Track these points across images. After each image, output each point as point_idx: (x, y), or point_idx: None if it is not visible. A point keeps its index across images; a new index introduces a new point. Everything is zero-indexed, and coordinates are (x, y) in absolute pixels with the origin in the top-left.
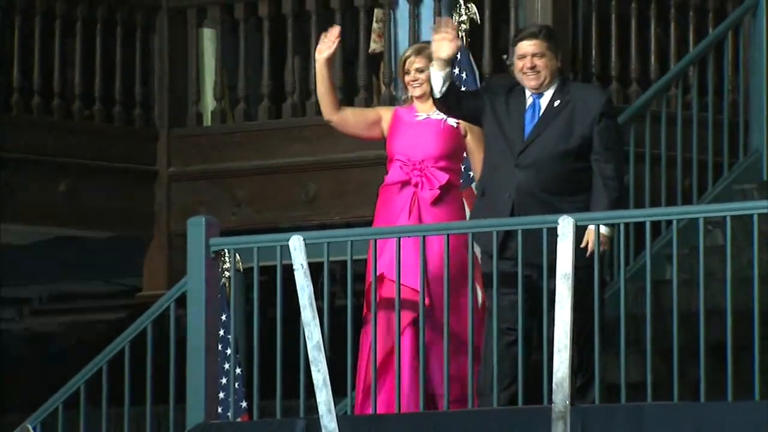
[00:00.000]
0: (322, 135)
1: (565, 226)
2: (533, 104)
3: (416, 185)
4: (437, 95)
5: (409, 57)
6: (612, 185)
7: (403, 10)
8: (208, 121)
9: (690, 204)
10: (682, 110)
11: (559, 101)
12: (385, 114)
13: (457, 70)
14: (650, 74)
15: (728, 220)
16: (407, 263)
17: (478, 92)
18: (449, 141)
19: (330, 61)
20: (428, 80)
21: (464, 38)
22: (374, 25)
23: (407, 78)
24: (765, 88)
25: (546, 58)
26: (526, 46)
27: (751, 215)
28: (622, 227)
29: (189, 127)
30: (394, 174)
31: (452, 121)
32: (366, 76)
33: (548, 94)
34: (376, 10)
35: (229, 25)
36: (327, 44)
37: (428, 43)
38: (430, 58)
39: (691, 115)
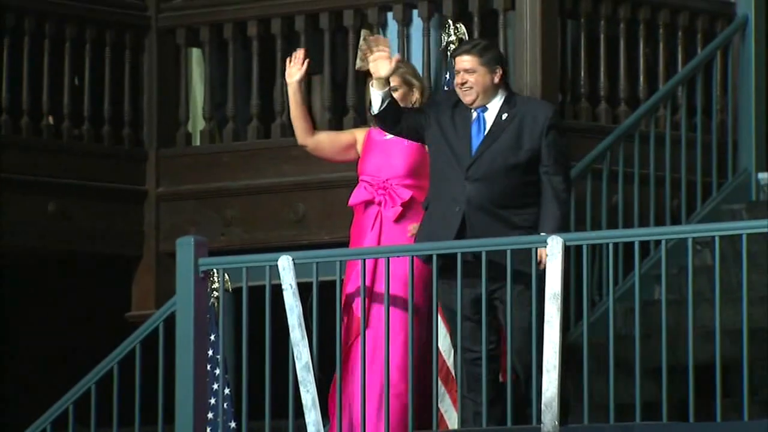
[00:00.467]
0: (310, 155)
1: (554, 245)
2: (478, 118)
3: (379, 204)
4: (375, 112)
5: None
6: (563, 197)
7: (391, 30)
8: (197, 141)
9: (679, 224)
10: (671, 130)
11: (506, 114)
12: (359, 135)
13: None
14: (639, 94)
15: (717, 240)
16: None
17: (421, 108)
18: (414, 158)
19: (301, 84)
20: (401, 99)
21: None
22: (361, 43)
23: None
24: (753, 108)
25: (477, 74)
26: (460, 62)
27: (740, 235)
28: (610, 247)
29: (178, 147)
30: (357, 194)
31: None
32: (355, 96)
33: (493, 108)
34: (363, 30)
35: (218, 45)
36: (296, 67)
37: (404, 62)
38: (404, 78)
39: (679, 135)
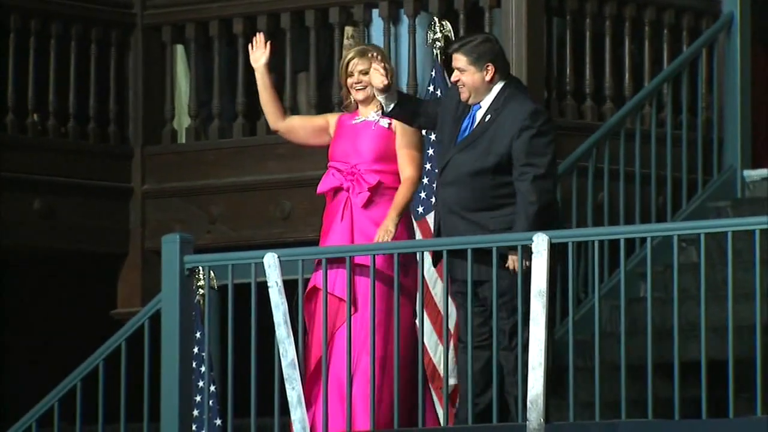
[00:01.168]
0: (296, 152)
1: (540, 243)
2: (471, 115)
3: (347, 189)
4: (388, 113)
5: (352, 59)
6: (529, 199)
7: (377, 27)
8: (182, 138)
9: (664, 221)
10: (657, 128)
11: (489, 116)
12: (332, 119)
13: (431, 88)
14: (624, 92)
15: (702, 237)
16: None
17: (438, 101)
18: (381, 143)
19: (268, 66)
20: (391, 81)
21: (438, 56)
22: (345, 42)
23: (350, 81)
24: (739, 105)
25: (467, 73)
26: (453, 60)
27: (726, 233)
28: (596, 244)
29: (164, 145)
30: (325, 181)
31: (384, 122)
32: (340, 94)
33: (485, 105)
34: (347, 28)
35: (203, 42)
36: (259, 51)
37: (372, 45)
38: (387, 59)
39: (665, 132)
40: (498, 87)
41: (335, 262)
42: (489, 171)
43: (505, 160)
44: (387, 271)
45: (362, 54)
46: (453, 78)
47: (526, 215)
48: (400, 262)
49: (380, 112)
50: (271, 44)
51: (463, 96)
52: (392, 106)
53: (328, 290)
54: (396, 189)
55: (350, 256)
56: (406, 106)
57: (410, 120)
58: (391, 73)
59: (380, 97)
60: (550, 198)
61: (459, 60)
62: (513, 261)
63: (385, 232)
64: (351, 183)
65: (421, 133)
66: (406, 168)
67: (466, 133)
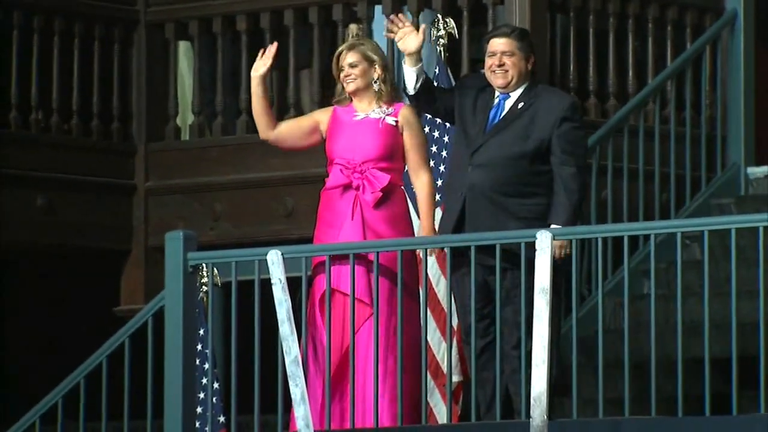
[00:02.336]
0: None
1: (543, 240)
2: (498, 105)
3: (357, 188)
4: (411, 92)
5: (341, 52)
6: (572, 188)
7: (380, 24)
8: (186, 135)
9: (668, 218)
10: (660, 125)
11: (523, 103)
12: (323, 116)
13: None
14: (628, 89)
15: (706, 234)
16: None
17: (452, 89)
18: (389, 140)
19: (264, 78)
20: (362, 75)
21: (442, 53)
22: (351, 39)
23: (341, 74)
24: (742, 102)
25: (515, 58)
26: (497, 44)
27: (729, 230)
28: (600, 241)
29: (167, 142)
30: (334, 178)
31: (391, 120)
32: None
33: (515, 96)
34: (350, 26)
35: (207, 39)
36: (264, 61)
37: (363, 38)
38: (364, 54)
39: (668, 129)
40: (529, 81)
41: (340, 259)
42: (528, 156)
43: (544, 147)
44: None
45: (351, 47)
46: (496, 62)
47: (570, 202)
48: (407, 260)
49: (384, 108)
50: (275, 52)
51: (503, 81)
52: (420, 80)
53: (338, 288)
54: (400, 186)
55: (354, 254)
56: (429, 87)
57: (428, 104)
58: (382, 66)
59: (409, 66)
60: (584, 194)
61: (508, 44)
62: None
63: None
64: (361, 182)
65: (424, 131)
66: (421, 168)
67: (496, 120)
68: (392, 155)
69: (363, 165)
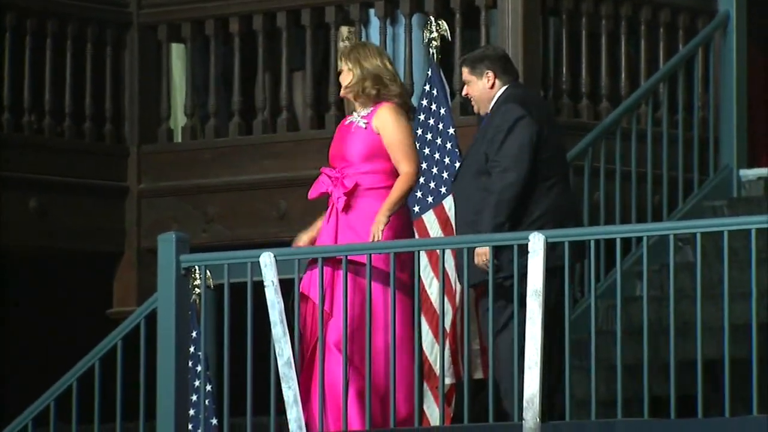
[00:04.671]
0: (292, 151)
1: (536, 243)
2: (480, 124)
3: (331, 193)
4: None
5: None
6: (490, 190)
7: (373, 27)
8: (178, 137)
9: (660, 221)
10: (653, 127)
11: (484, 122)
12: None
13: (428, 87)
14: (621, 91)
15: (698, 236)
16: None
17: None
18: (359, 144)
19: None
20: (354, 81)
21: (435, 55)
22: (341, 43)
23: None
24: (735, 104)
25: (473, 85)
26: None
27: (722, 232)
28: (592, 244)
29: (160, 144)
30: (313, 187)
31: (362, 123)
32: (336, 93)
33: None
34: (341, 29)
35: (199, 41)
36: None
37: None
38: (348, 62)
39: (661, 131)
40: (499, 93)
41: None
42: (482, 173)
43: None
44: (386, 269)
45: (341, 55)
46: (463, 93)
47: (487, 205)
48: (402, 261)
49: (360, 111)
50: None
51: (475, 108)
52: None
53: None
54: (381, 187)
55: (346, 256)
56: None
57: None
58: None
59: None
60: (513, 191)
61: (465, 74)
62: (479, 256)
63: (375, 225)
64: (334, 187)
65: (406, 124)
66: (401, 163)
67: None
68: (370, 157)
69: (343, 170)
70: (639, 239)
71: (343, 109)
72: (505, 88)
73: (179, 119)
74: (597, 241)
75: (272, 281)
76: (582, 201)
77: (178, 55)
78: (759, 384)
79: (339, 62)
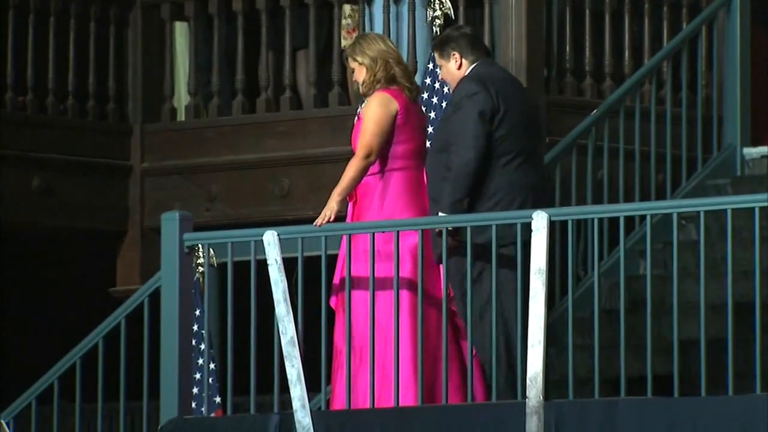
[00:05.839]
0: (295, 130)
1: (539, 221)
2: None
3: None
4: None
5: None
6: (450, 175)
7: (377, 5)
8: (182, 116)
9: (664, 199)
10: (656, 105)
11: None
12: None
13: (431, 66)
14: (624, 69)
15: (702, 215)
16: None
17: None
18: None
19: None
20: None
21: (438, 33)
22: (343, 21)
23: None
24: (738, 82)
25: (443, 69)
26: None
27: (725, 210)
28: (596, 222)
29: (163, 123)
30: None
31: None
32: (340, 71)
33: None
34: (344, 6)
35: (203, 20)
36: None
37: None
38: (353, 59)
39: (664, 110)
40: (467, 72)
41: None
42: (443, 151)
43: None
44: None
45: (347, 55)
46: (440, 78)
47: (445, 182)
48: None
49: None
50: None
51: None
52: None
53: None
54: (391, 171)
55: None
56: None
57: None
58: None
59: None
60: (470, 168)
61: (437, 58)
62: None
63: (326, 208)
64: None
65: (379, 112)
66: (358, 148)
67: None
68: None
69: None
70: (642, 218)
71: (346, 88)
72: (472, 67)
73: (182, 98)
74: (600, 220)
75: (275, 260)
76: (585, 179)
77: (181, 33)
78: (762, 362)
79: (345, 61)
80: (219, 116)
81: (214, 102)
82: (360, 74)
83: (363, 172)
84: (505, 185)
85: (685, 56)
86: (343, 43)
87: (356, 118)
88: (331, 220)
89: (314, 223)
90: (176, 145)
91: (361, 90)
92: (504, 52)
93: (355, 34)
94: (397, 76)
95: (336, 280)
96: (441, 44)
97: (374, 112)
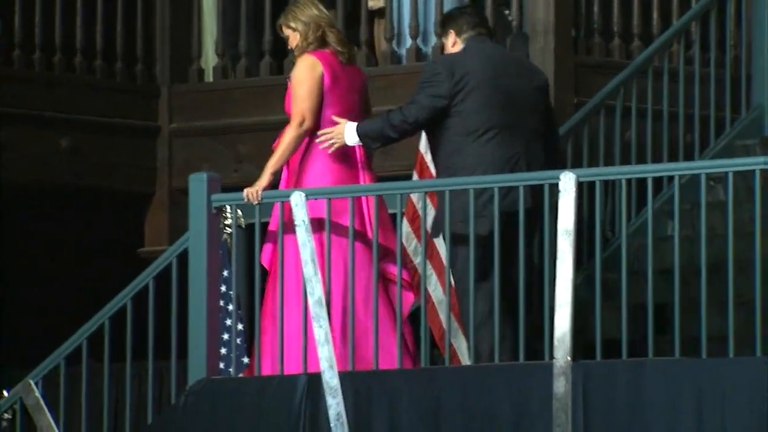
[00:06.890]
0: None
1: (567, 182)
2: None
3: None
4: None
5: None
6: (389, 116)
7: None
8: (209, 76)
9: (692, 160)
10: (685, 66)
11: None
12: None
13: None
14: (653, 29)
15: (730, 175)
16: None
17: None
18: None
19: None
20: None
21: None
22: None
23: None
24: (767, 43)
25: (446, 48)
26: None
27: (753, 171)
28: (623, 183)
29: (191, 83)
30: None
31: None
32: (368, 32)
33: None
34: None
35: None
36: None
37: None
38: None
39: (693, 70)
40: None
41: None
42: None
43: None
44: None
45: (279, 24)
46: None
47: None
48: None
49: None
50: None
51: None
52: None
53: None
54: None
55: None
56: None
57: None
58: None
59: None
60: (403, 119)
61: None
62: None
63: (257, 182)
64: None
65: (305, 75)
66: (293, 114)
67: None
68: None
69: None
70: (670, 178)
71: (374, 49)
72: (463, 45)
73: (210, 59)
74: (628, 180)
75: (303, 221)
76: (614, 140)
77: None
78: None
79: (279, 31)
80: (247, 77)
81: (242, 63)
82: (294, 40)
83: (298, 140)
84: (482, 160)
85: (714, 16)
86: (371, 3)
87: (288, 81)
88: (260, 197)
89: (246, 199)
90: (204, 106)
91: (296, 53)
92: (533, 12)
93: None
94: (329, 40)
95: (271, 242)
96: (442, 23)
97: (299, 75)
